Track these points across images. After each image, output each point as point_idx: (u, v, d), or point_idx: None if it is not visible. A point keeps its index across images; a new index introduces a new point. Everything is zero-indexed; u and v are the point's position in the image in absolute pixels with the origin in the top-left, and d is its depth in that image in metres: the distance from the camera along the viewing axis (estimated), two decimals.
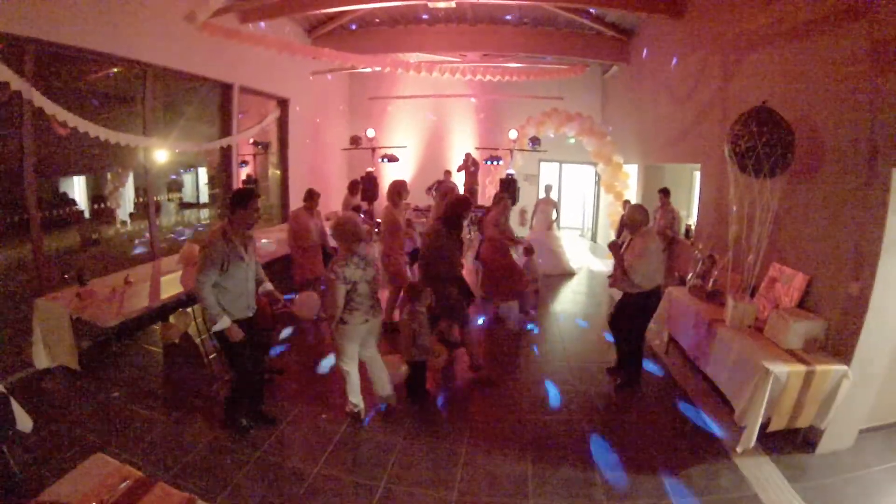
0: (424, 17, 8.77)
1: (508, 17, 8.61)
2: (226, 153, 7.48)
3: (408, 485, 3.07)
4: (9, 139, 4.47)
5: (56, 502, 1.88)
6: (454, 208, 4.26)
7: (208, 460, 3.21)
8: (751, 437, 3.20)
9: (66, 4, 4.63)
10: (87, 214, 5.76)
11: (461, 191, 9.08)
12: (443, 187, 6.10)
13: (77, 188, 6.06)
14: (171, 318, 5.21)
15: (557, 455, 3.37)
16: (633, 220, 4.11)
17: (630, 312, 4.18)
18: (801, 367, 3.16)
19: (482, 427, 3.73)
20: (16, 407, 3.31)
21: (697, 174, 6.56)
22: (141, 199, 6.25)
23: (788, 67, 4.08)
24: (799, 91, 3.90)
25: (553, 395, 4.22)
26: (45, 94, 4.52)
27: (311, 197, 5.60)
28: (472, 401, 4.14)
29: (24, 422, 3.34)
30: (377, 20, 8.98)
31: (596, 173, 10.52)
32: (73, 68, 5.11)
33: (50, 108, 4.56)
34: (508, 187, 9.57)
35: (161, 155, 6.51)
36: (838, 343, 3.32)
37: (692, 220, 6.88)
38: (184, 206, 8.08)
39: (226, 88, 7.25)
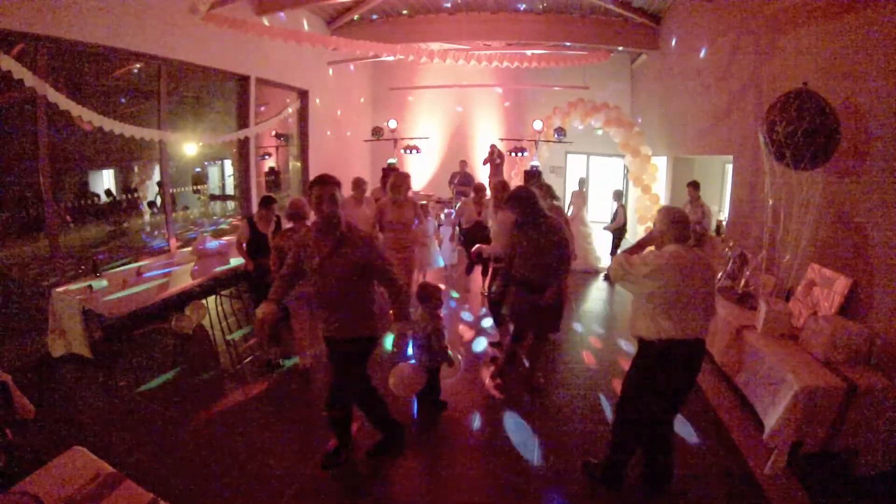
0: (445, 5, 8.55)
1: (526, 6, 8.29)
2: (243, 145, 7.46)
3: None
4: (25, 135, 4.53)
5: (28, 493, 1.86)
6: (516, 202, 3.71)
7: (195, 459, 3.15)
8: (781, 458, 2.90)
9: (79, 1, 4.62)
10: (111, 207, 5.85)
11: (485, 182, 8.88)
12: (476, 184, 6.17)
13: (105, 181, 6.16)
14: (187, 310, 5.23)
15: (556, 468, 3.15)
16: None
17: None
18: (841, 383, 2.83)
19: (475, 442, 3.52)
20: (17, 395, 3.35)
21: (729, 167, 6.15)
22: (160, 192, 6.30)
23: (830, 47, 3.67)
24: (843, 73, 3.50)
25: (564, 405, 3.94)
26: (60, 90, 4.55)
27: (359, 186, 5.50)
28: (480, 410, 3.92)
29: (25, 409, 3.38)
30: (398, 9, 8.80)
31: (624, 166, 10.11)
32: (88, 64, 5.16)
33: (64, 103, 4.60)
34: (532, 180, 9.28)
35: (186, 148, 6.57)
36: (884, 356, 2.97)
37: (723, 216, 6.47)
38: (211, 197, 8.17)
39: (243, 81, 7.21)
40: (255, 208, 7.64)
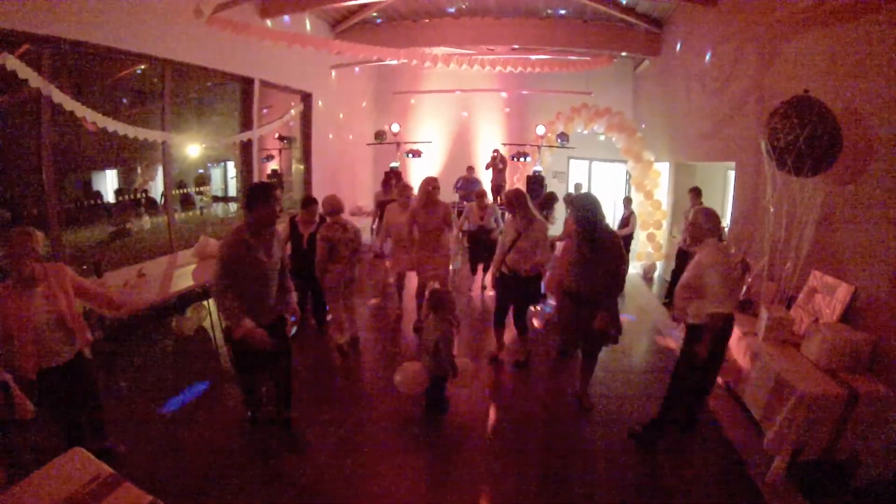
0: (450, 10, 8.59)
1: (529, 11, 8.33)
2: (246, 148, 7.49)
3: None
4: (29, 135, 4.55)
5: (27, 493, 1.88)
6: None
7: (195, 461, 3.14)
8: (781, 466, 2.88)
9: (84, 2, 4.65)
10: (114, 208, 5.86)
11: (486, 188, 8.94)
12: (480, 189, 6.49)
13: (109, 182, 6.17)
14: (188, 311, 5.25)
15: (556, 473, 3.14)
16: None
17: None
18: (842, 391, 2.82)
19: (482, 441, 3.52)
20: (18, 395, 3.36)
21: (731, 173, 6.15)
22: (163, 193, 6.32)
23: (832, 54, 3.68)
24: (845, 79, 3.50)
25: (562, 409, 3.93)
26: (64, 90, 4.58)
27: (405, 192, 5.55)
28: (482, 413, 3.92)
29: (25, 409, 3.38)
30: (402, 13, 8.85)
31: (626, 172, 10.11)
32: (92, 65, 5.18)
33: (69, 104, 4.62)
34: (535, 185, 9.28)
35: (190, 149, 6.60)
36: (886, 363, 2.95)
37: (725, 223, 6.44)
38: (214, 199, 8.19)
39: (247, 83, 7.25)
40: None
